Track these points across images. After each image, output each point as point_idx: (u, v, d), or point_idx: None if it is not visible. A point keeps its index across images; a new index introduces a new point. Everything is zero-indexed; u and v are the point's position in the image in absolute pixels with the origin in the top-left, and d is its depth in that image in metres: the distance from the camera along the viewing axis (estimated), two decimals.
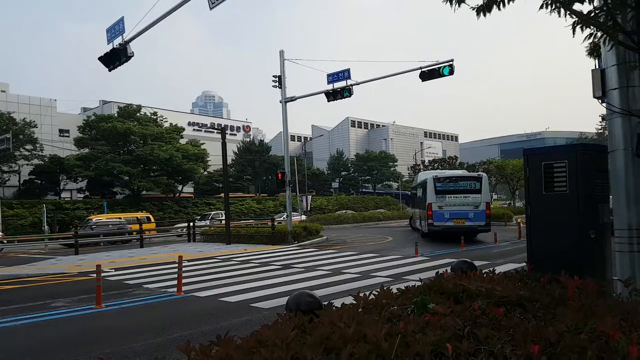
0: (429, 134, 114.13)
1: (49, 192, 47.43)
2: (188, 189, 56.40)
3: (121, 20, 13.90)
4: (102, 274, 9.60)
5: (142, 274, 13.37)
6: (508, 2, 4.45)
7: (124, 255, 19.29)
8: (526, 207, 5.25)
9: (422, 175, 30.61)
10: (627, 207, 4.82)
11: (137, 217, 28.18)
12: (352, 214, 44.89)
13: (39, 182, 46.87)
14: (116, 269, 14.44)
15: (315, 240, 22.42)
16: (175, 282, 10.39)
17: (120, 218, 30.03)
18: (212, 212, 41.61)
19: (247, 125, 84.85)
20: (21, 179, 46.31)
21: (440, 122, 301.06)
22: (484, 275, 3.92)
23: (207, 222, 35.01)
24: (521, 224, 20.85)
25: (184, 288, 10.15)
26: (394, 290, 3.52)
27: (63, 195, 48.76)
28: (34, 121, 46.50)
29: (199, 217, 39.26)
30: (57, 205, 40.27)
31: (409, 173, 73.28)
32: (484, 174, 22.04)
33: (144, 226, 25.79)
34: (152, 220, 29.02)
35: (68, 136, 56.63)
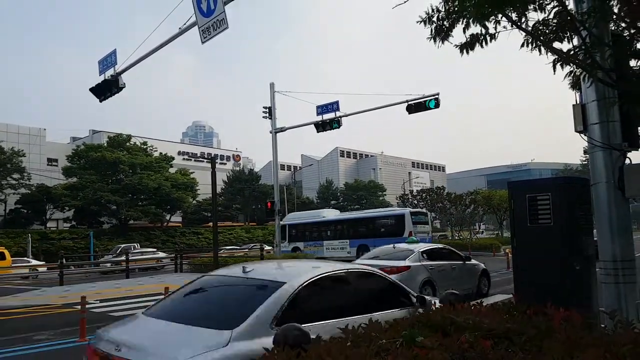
0: (416, 164, 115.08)
1: (35, 222, 46.80)
2: (176, 218, 55.95)
3: (113, 52, 14.11)
4: (87, 306, 9.42)
5: (127, 305, 13.11)
6: (490, 40, 4.62)
7: (110, 286, 18.97)
8: (512, 238, 5.31)
9: (292, 215, 33.39)
10: (611, 239, 4.89)
11: None
12: None
13: (25, 211, 46.28)
14: (101, 301, 14.17)
15: None
16: None
17: None
18: (123, 245, 34.14)
19: (237, 155, 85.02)
20: (7, 208, 45.72)
21: (427, 153, 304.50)
22: (472, 307, 3.94)
23: (110, 257, 30.33)
24: (509, 254, 20.92)
25: None
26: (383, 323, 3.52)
27: (49, 225, 48.13)
28: (23, 150, 46.22)
29: (111, 251, 33.80)
30: (42, 235, 39.75)
31: (397, 202, 73.54)
32: (428, 212, 32.01)
33: None
34: (7, 257, 25.32)
35: (57, 165, 56.20)
